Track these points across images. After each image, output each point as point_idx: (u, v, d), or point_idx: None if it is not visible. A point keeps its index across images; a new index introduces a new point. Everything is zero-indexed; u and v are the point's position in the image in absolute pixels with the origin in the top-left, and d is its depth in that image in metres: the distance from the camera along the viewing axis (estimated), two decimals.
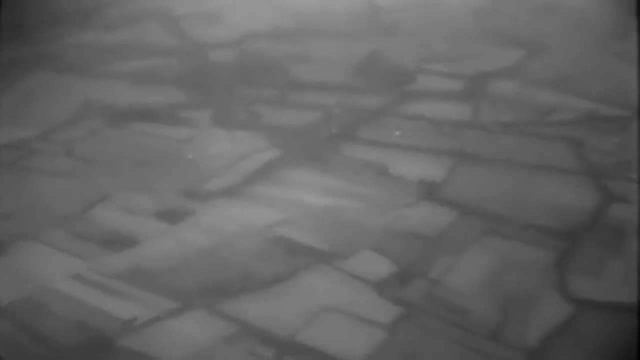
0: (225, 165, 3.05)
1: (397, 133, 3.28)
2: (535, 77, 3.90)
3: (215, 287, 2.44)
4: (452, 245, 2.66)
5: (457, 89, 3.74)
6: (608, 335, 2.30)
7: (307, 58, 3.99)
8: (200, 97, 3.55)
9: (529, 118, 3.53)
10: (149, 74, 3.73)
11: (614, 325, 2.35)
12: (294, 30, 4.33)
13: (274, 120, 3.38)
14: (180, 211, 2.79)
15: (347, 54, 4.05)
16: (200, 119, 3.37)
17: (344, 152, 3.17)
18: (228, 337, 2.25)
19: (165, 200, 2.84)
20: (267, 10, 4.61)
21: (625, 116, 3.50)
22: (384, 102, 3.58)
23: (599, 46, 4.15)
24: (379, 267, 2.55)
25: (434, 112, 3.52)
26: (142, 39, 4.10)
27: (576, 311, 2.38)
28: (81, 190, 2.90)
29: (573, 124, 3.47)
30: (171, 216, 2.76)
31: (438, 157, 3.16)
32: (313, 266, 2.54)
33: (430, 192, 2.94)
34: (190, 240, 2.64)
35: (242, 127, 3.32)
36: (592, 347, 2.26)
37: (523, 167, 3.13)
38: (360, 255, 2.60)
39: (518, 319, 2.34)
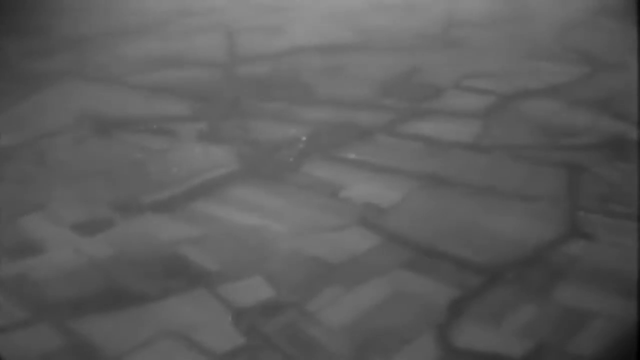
0: (176, 180, 2.94)
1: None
2: (580, 97, 3.48)
3: (77, 301, 2.32)
4: (354, 275, 2.40)
5: (481, 107, 3.40)
6: None
7: (339, 73, 3.79)
8: (201, 111, 3.45)
9: (544, 141, 3.13)
10: (169, 86, 3.68)
11: None
12: (346, 45, 4.13)
13: (258, 136, 3.22)
14: (101, 223, 2.69)
15: (385, 69, 3.80)
16: (185, 132, 3.27)
17: (304, 171, 2.96)
18: (52, 354, 2.14)
19: (94, 211, 2.77)
20: (332, 25, 4.44)
21: None
22: (388, 119, 3.32)
23: None
24: (258, 293, 2.33)
25: (435, 132, 3.21)
26: (187, 52, 4.07)
27: None
28: (24, 197, 2.89)
29: (588, 149, 3.05)
30: (89, 228, 2.68)
31: (402, 179, 2.87)
32: (188, 288, 2.37)
33: (368, 216, 2.67)
34: (89, 253, 2.55)
35: (221, 142, 3.18)
36: None
37: (492, 195, 2.77)
38: (248, 280, 2.40)
39: None
